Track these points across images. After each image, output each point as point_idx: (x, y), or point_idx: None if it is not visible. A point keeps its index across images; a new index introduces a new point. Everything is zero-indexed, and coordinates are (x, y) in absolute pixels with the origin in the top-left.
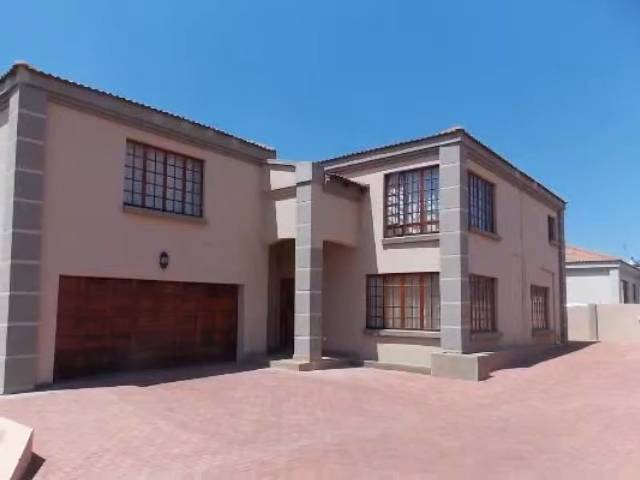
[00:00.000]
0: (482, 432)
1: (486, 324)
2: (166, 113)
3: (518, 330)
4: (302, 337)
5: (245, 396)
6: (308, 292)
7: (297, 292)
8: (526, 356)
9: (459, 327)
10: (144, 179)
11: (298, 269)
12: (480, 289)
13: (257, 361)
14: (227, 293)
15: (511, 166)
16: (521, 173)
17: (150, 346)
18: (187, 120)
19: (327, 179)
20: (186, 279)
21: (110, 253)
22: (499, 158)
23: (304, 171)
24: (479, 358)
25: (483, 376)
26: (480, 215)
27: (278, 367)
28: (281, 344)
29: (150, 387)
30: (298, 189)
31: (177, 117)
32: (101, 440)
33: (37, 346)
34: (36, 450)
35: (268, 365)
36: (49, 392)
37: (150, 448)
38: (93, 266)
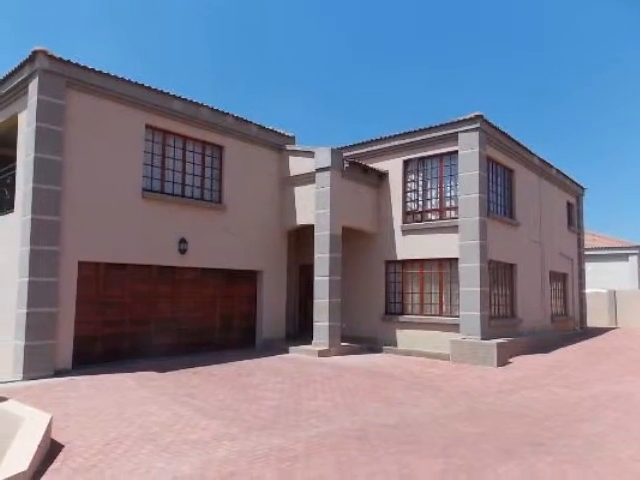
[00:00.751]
0: (501, 418)
1: (505, 310)
2: (185, 99)
3: (537, 316)
4: (321, 323)
5: (264, 382)
6: (327, 278)
7: (316, 278)
8: (545, 342)
9: (478, 313)
10: (163, 165)
11: (317, 255)
12: (499, 275)
13: (276, 347)
14: (246, 279)
15: (530, 152)
16: (540, 159)
17: (169, 332)
18: (206, 106)
19: (346, 165)
20: (205, 265)
21: (129, 239)
22: (518, 144)
23: (323, 157)
24: (498, 344)
25: (502, 362)
26: (499, 201)
27: (297, 353)
28: (300, 330)
29: (169, 373)
30: (317, 175)
31: (196, 103)
32: (120, 426)
33: (56, 332)
34: (55, 436)
35: (287, 351)
36: (68, 378)
37: (169, 434)
38: (112, 252)
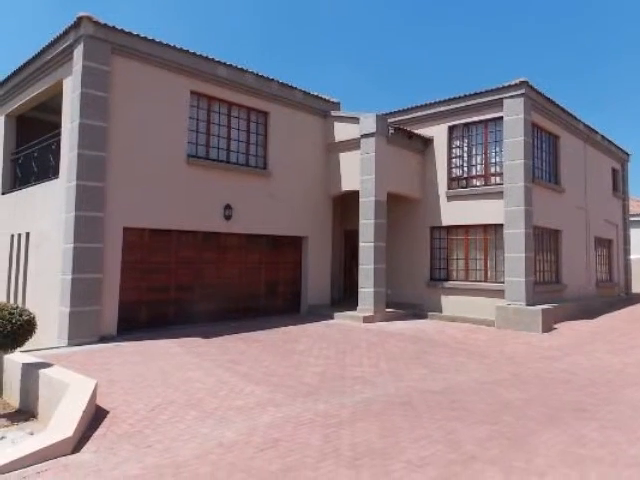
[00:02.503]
0: (545, 384)
1: (550, 276)
2: (230, 65)
3: (582, 282)
4: (366, 289)
5: (308, 348)
6: (372, 244)
7: (361, 244)
8: (590, 308)
9: (523, 279)
10: (208, 131)
11: (362, 221)
12: (544, 241)
13: (320, 313)
14: (291, 245)
15: (575, 118)
16: (585, 125)
17: (214, 298)
18: (251, 72)
19: (391, 131)
20: (250, 231)
21: (174, 205)
22: (563, 110)
23: (368, 123)
24: (543, 310)
25: (547, 328)
26: (544, 167)
27: (342, 319)
28: (345, 296)
29: (214, 339)
30: (362, 141)
31: (241, 69)
32: (165, 392)
33: (101, 298)
34: (100, 402)
35: (332, 317)
36: (113, 344)
37: (214, 400)
38: (157, 218)
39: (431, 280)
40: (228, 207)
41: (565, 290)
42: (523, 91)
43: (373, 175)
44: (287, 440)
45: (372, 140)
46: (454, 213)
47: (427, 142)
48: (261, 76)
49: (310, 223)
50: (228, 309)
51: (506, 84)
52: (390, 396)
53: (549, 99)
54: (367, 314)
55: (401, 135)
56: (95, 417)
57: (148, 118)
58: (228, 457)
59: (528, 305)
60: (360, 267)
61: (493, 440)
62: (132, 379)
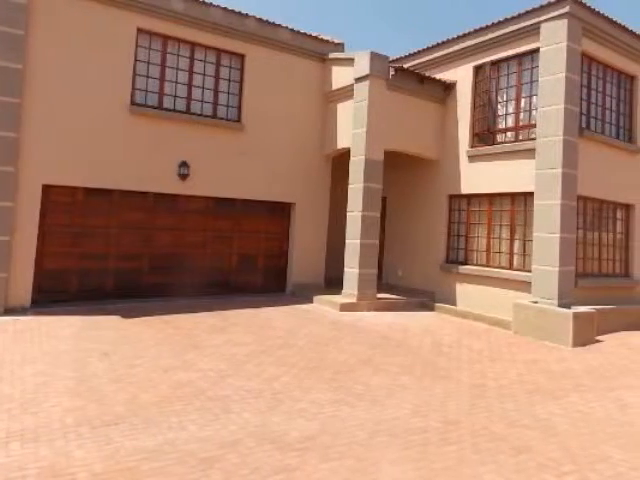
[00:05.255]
0: (500, 449)
1: (611, 267)
2: None
3: None
4: (351, 269)
5: (225, 342)
6: (360, 214)
7: (348, 213)
8: None
9: (556, 268)
10: (162, 76)
11: (350, 185)
12: (602, 218)
13: (306, 295)
14: (276, 213)
15: None
16: None
17: (168, 270)
18: (217, 6)
19: (392, 72)
20: (216, 194)
21: (114, 161)
22: None
23: (362, 63)
24: (576, 314)
25: (582, 340)
26: (610, 118)
27: (319, 304)
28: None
29: (133, 319)
30: (355, 86)
31: (203, 2)
32: None
33: (9, 265)
34: None
35: (311, 300)
36: (14, 318)
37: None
38: (92, 176)
39: (447, 262)
40: (184, 165)
41: (637, 287)
42: (567, 10)
43: (365, 128)
44: None
45: (366, 84)
46: (477, 178)
47: (448, 88)
48: (232, 11)
49: (300, 187)
50: (187, 284)
51: (545, 2)
52: (198, 445)
53: (614, 22)
54: (347, 301)
55: (409, 79)
56: None
57: (80, 60)
58: None
59: (562, 305)
60: (347, 242)
61: None
62: None
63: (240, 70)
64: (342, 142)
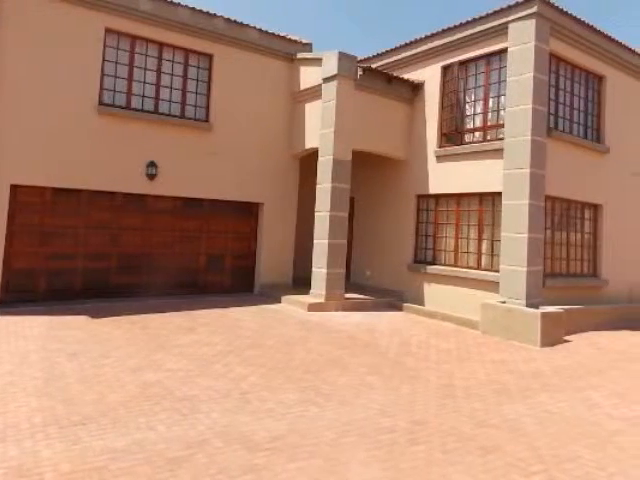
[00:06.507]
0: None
1: (580, 267)
2: None
3: (638, 277)
4: (319, 269)
5: (191, 343)
6: (328, 214)
7: (316, 214)
8: None
9: (524, 268)
10: (130, 76)
11: (319, 185)
12: (570, 218)
13: (274, 295)
14: (243, 213)
15: (633, 52)
16: None
17: (137, 270)
18: (185, 6)
19: (360, 72)
20: (184, 194)
21: (82, 161)
22: (611, 40)
23: (330, 63)
24: (544, 314)
25: (550, 340)
26: (578, 118)
27: (287, 304)
28: None
29: (101, 319)
30: (323, 86)
31: (171, 2)
32: None
33: None
34: None
35: (279, 300)
36: None
37: None
38: (60, 176)
39: (415, 263)
40: (152, 165)
41: (605, 287)
42: (535, 9)
43: (332, 128)
44: None
45: (333, 84)
46: (445, 178)
47: (416, 88)
48: (200, 11)
49: (268, 187)
50: (155, 284)
51: (513, 2)
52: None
53: (583, 22)
54: (315, 301)
55: (377, 79)
56: None
57: (48, 60)
58: None
59: (530, 305)
60: (315, 242)
61: None
62: None
63: (208, 70)
64: (310, 142)
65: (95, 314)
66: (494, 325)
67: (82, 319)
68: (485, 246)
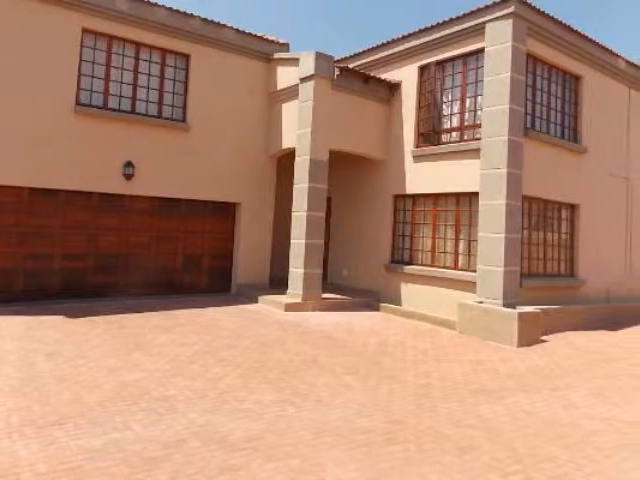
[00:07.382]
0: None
1: (557, 267)
2: None
3: (615, 277)
4: (297, 269)
5: (169, 342)
6: (305, 214)
7: (293, 214)
8: (619, 314)
9: (501, 268)
10: (107, 76)
11: (296, 185)
12: (548, 218)
13: (251, 295)
14: (220, 213)
15: (610, 52)
16: (629, 62)
17: (114, 270)
18: (162, 6)
19: (337, 72)
20: (161, 194)
21: (59, 161)
22: (588, 39)
23: (307, 63)
24: (521, 314)
25: (527, 340)
26: (555, 118)
27: (265, 304)
28: None
29: (79, 319)
30: (300, 86)
31: (148, 2)
32: None
33: None
34: None
35: (257, 301)
36: None
37: None
38: (37, 176)
39: (392, 263)
40: (129, 165)
41: (582, 287)
42: (512, 10)
43: (309, 128)
44: None
45: (311, 84)
46: (422, 178)
47: (393, 88)
48: (177, 11)
49: (245, 187)
50: (132, 284)
51: (490, 2)
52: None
53: (560, 22)
54: (293, 301)
55: (354, 79)
56: None
57: (25, 60)
58: None
59: (507, 305)
60: (292, 242)
61: None
62: None
63: (185, 70)
64: (287, 142)
65: (73, 314)
66: (471, 325)
67: (60, 319)
68: (462, 246)
